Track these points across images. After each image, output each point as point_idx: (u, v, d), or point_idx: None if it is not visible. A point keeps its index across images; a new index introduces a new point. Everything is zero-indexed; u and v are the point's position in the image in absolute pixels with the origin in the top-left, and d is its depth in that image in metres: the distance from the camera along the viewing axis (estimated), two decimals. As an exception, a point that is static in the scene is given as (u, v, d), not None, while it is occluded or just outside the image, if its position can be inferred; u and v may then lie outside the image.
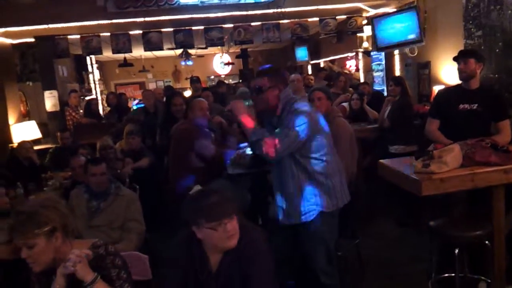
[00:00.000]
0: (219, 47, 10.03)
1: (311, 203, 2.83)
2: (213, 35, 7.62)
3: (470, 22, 5.15)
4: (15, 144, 6.35)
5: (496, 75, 4.70)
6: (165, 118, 5.27)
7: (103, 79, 13.82)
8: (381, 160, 3.48)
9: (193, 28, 7.61)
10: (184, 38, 7.62)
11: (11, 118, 7.21)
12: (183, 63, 13.16)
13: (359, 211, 4.25)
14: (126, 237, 3.25)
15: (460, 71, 3.52)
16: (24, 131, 7.06)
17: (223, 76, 15.22)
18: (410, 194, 3.00)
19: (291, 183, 2.85)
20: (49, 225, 1.90)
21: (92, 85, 11.18)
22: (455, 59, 3.58)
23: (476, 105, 3.44)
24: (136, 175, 4.80)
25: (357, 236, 3.91)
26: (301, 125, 2.71)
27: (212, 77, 14.98)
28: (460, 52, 3.65)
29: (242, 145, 4.54)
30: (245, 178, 4.16)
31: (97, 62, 12.17)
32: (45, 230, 1.89)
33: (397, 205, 4.87)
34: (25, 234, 1.87)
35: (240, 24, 7.64)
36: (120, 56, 10.18)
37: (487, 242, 2.95)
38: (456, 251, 2.93)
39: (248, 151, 4.16)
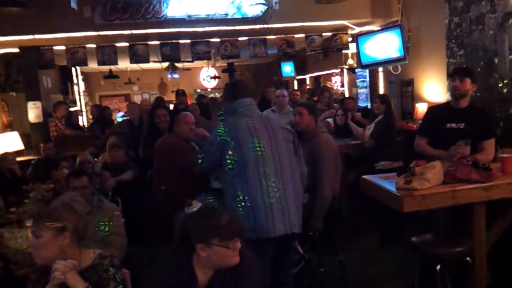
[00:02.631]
0: (205, 60, 10.07)
1: None
2: (200, 49, 7.64)
3: (453, 41, 5.25)
4: (-4, 156, 6.24)
5: (478, 94, 4.78)
6: (149, 130, 5.25)
7: (88, 91, 13.73)
8: (363, 176, 3.51)
9: (180, 41, 7.63)
10: (170, 52, 7.62)
11: (-7, 129, 7.12)
12: (169, 76, 13.19)
13: (342, 227, 4.29)
14: (107, 251, 3.20)
15: (455, 88, 3.47)
16: (6, 142, 6.95)
17: (209, 89, 15.26)
18: (393, 210, 3.01)
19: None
20: (60, 222, 1.99)
21: (77, 97, 11.11)
22: (450, 75, 3.58)
23: (464, 124, 3.44)
24: (119, 188, 4.76)
25: (340, 253, 3.94)
26: (210, 140, 2.97)
27: (199, 90, 15.00)
28: (458, 70, 3.67)
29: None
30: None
31: (82, 73, 12.11)
32: (55, 226, 1.98)
33: (380, 220, 4.90)
34: (37, 223, 2.00)
35: (227, 38, 7.69)
36: (106, 67, 10.15)
37: (468, 258, 2.98)
38: (438, 267, 2.96)
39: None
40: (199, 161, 3.06)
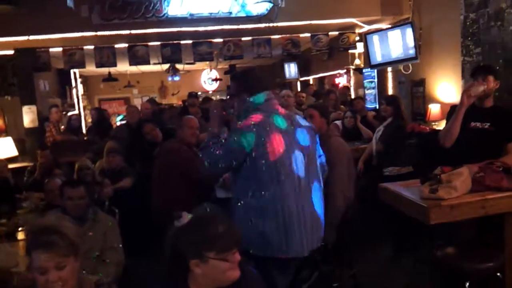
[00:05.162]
0: (207, 62, 9.84)
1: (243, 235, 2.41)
2: (202, 50, 7.40)
3: (469, 38, 4.98)
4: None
5: (497, 93, 4.49)
6: (142, 149, 5.02)
7: (87, 94, 13.48)
8: (381, 184, 3.24)
9: (181, 42, 7.38)
10: (171, 53, 7.38)
11: (-14, 134, 6.86)
12: (170, 78, 12.96)
13: (355, 237, 4.01)
14: (103, 270, 2.92)
15: None
16: (-1, 148, 6.70)
17: (210, 92, 15.00)
18: (408, 218, 2.79)
19: (233, 205, 2.44)
20: (76, 244, 1.78)
21: (75, 100, 10.84)
22: (471, 75, 3.36)
23: (488, 124, 3.24)
24: (116, 196, 4.49)
25: (354, 266, 3.67)
26: (237, 136, 2.33)
27: (200, 93, 14.73)
28: (479, 69, 3.43)
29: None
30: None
31: (81, 76, 11.85)
32: (74, 249, 1.77)
33: (393, 229, 4.61)
34: (59, 252, 1.71)
35: (230, 38, 7.43)
36: (105, 70, 9.91)
37: (498, 274, 2.71)
38: (467, 284, 2.68)
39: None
40: (205, 163, 2.41)
